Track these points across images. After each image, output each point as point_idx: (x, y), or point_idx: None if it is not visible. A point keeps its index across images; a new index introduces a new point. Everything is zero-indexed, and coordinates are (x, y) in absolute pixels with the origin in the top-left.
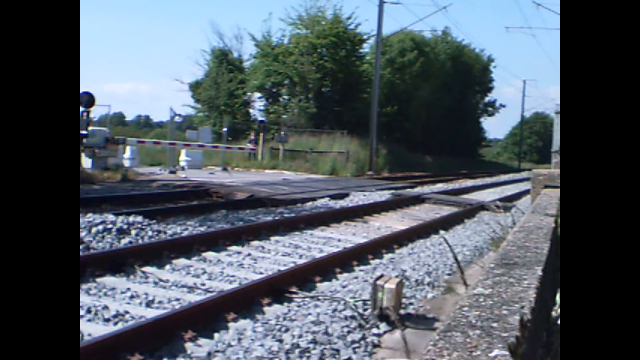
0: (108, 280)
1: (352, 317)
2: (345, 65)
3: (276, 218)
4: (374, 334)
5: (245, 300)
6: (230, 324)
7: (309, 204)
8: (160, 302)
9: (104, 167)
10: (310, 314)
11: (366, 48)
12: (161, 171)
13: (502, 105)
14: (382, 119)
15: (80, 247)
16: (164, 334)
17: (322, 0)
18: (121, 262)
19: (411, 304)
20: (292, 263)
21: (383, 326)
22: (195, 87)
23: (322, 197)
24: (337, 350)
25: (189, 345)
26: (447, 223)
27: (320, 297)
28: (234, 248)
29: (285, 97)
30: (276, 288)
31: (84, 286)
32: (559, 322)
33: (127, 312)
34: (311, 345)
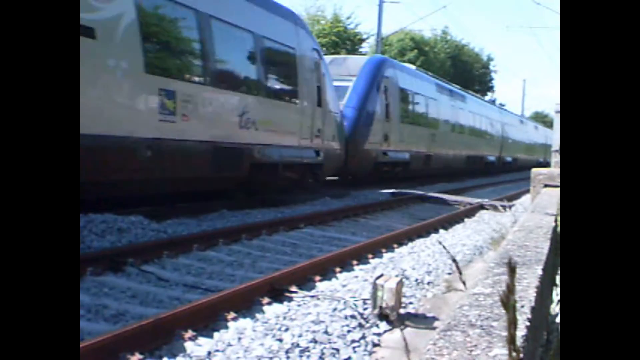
0: (108, 279)
1: (352, 317)
2: None
3: (276, 217)
4: (374, 333)
5: (245, 300)
6: (230, 324)
7: (309, 202)
8: (160, 301)
9: None
10: (310, 313)
11: (366, 47)
12: None
13: (502, 105)
14: None
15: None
16: (164, 333)
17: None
18: (121, 261)
19: (411, 303)
20: (291, 262)
21: (383, 325)
22: None
23: (322, 196)
24: (337, 350)
25: (189, 345)
26: (447, 222)
27: (320, 297)
28: (234, 247)
29: None
30: (276, 287)
31: (83, 285)
32: (558, 320)
33: (127, 312)
34: (311, 345)
